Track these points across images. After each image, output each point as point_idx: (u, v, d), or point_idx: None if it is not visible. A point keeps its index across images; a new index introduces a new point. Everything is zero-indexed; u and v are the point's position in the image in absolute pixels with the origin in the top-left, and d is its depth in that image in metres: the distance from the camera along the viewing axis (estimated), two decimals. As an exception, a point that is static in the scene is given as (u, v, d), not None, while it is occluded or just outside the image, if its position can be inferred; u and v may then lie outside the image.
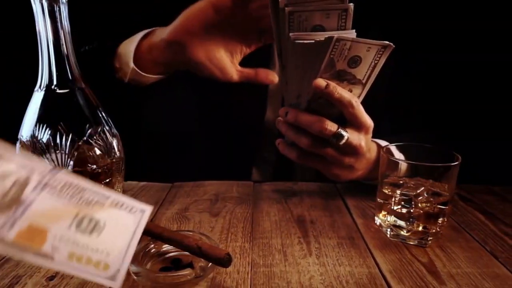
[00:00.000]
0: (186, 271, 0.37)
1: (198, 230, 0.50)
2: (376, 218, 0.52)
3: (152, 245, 0.43)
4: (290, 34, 0.45)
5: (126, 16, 0.73)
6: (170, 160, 0.77)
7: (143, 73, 0.60)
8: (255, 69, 0.57)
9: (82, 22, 0.58)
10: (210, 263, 0.38)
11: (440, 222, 0.47)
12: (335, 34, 0.43)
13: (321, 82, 0.46)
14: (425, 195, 0.46)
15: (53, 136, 0.43)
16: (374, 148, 0.56)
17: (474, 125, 0.79)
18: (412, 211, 0.46)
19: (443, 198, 0.46)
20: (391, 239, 0.48)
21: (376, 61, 0.46)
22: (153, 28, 0.61)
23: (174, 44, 0.55)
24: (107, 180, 0.46)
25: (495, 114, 0.80)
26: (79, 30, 0.49)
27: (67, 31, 0.43)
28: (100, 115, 0.47)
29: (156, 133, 0.75)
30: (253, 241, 0.48)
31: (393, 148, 0.52)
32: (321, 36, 0.43)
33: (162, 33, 0.57)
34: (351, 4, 0.44)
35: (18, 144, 0.44)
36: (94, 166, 0.44)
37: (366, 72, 0.47)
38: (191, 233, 0.42)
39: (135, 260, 0.39)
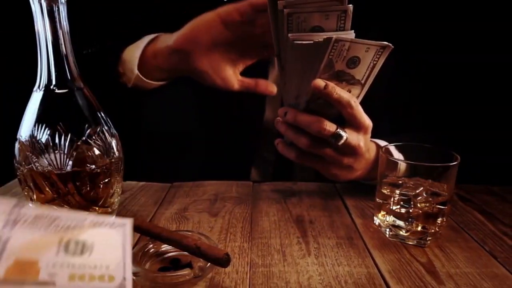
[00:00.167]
0: (185, 271, 0.37)
1: (197, 230, 0.50)
2: (375, 218, 0.52)
3: (151, 245, 0.43)
4: (289, 34, 0.45)
5: (126, 16, 0.73)
6: (170, 160, 0.77)
7: (147, 80, 0.61)
8: (255, 80, 0.58)
9: (82, 22, 0.58)
10: (209, 263, 0.38)
11: (439, 222, 0.47)
12: (334, 34, 0.43)
13: (320, 82, 0.46)
14: (424, 195, 0.46)
15: (52, 136, 0.43)
16: (373, 148, 0.56)
17: (473, 126, 0.79)
18: (411, 211, 0.46)
19: (442, 198, 0.46)
20: (390, 239, 0.48)
21: (375, 62, 0.46)
22: (158, 34, 0.62)
23: (179, 52, 0.56)
24: (106, 180, 0.46)
25: (494, 115, 0.80)
26: (80, 30, 0.49)
27: (66, 31, 0.43)
28: (99, 115, 0.46)
29: (156, 133, 0.75)
30: (252, 241, 0.48)
31: (392, 148, 0.52)
32: (320, 36, 0.43)
33: (168, 39, 0.58)
34: (350, 5, 0.44)
35: (17, 144, 0.44)
36: (93, 166, 0.44)
37: (365, 73, 0.47)
38: (190, 233, 0.42)
39: (134, 260, 0.39)
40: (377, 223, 0.51)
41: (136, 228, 0.45)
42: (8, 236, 0.27)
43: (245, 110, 0.71)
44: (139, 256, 0.40)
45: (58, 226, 0.29)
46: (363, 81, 0.48)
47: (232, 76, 0.57)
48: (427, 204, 0.46)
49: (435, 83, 0.77)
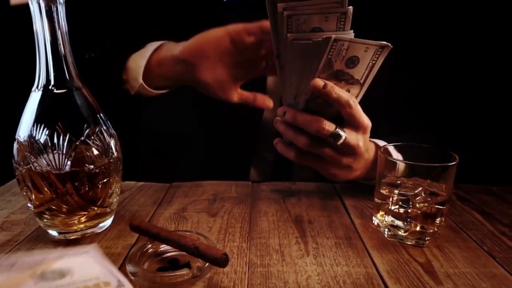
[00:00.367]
0: (183, 271, 0.37)
1: (196, 230, 0.50)
2: (373, 218, 0.52)
3: (150, 245, 0.43)
4: (288, 34, 0.45)
5: (126, 16, 0.74)
6: (169, 160, 0.77)
7: (150, 89, 0.63)
8: (254, 94, 0.61)
9: (82, 23, 0.58)
10: (207, 263, 0.38)
11: (437, 222, 0.47)
12: (333, 34, 0.43)
13: (319, 82, 0.46)
14: (423, 195, 0.46)
15: (51, 136, 0.43)
16: (372, 148, 0.56)
17: (472, 126, 0.79)
18: (409, 211, 0.46)
19: (440, 198, 0.46)
20: (388, 239, 0.48)
21: (374, 61, 0.46)
22: (162, 42, 0.63)
23: (184, 63, 0.58)
24: (105, 180, 0.46)
25: (493, 115, 0.80)
26: (80, 32, 0.50)
27: (64, 31, 0.43)
28: (98, 115, 0.46)
29: (155, 133, 0.75)
30: (251, 241, 0.48)
31: (391, 148, 0.52)
32: (319, 36, 0.43)
33: (173, 48, 0.59)
34: (350, 7, 0.44)
35: (15, 144, 0.44)
36: (92, 166, 0.44)
37: (364, 72, 0.47)
38: (188, 233, 0.42)
39: (133, 260, 0.39)
40: (375, 223, 0.51)
41: (135, 228, 0.45)
42: None
43: (244, 109, 0.71)
44: (137, 256, 0.40)
45: (27, 265, 0.29)
46: (362, 81, 0.48)
47: (233, 89, 0.59)
48: (426, 204, 0.46)
49: (434, 83, 0.77)
